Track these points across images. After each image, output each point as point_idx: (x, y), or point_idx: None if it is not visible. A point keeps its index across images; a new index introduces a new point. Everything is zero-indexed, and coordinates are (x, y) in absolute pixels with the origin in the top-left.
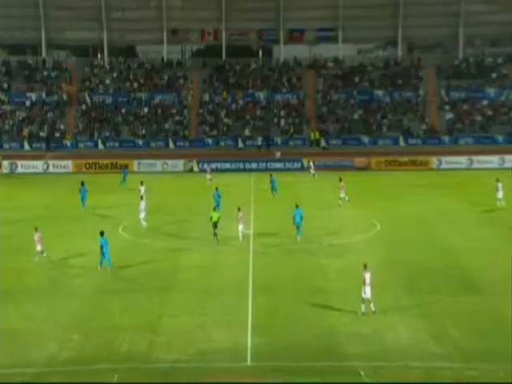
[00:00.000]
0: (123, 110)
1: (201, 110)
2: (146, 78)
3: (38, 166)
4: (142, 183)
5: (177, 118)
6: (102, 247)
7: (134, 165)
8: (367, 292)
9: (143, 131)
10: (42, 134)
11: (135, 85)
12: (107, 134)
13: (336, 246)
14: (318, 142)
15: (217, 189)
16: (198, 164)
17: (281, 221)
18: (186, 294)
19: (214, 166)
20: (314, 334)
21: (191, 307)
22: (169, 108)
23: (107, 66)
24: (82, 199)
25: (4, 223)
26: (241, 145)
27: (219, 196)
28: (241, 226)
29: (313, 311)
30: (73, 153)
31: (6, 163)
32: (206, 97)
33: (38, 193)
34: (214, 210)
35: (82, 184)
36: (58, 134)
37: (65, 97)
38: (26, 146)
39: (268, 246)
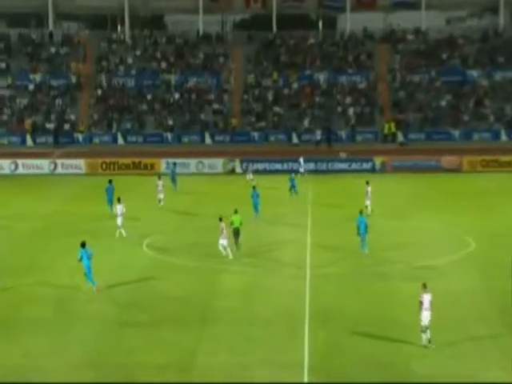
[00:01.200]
0: (148, 96)
1: (245, 96)
2: (177, 56)
3: (44, 165)
4: (110, 181)
5: (215, 105)
6: (83, 261)
7: (162, 164)
8: (425, 318)
9: (173, 122)
10: (48, 125)
11: (163, 64)
12: (128, 126)
13: (416, 268)
14: (393, 137)
15: (254, 188)
16: (241, 164)
17: (344, 232)
18: (226, 327)
19: (260, 166)
20: (385, 378)
21: (232, 343)
22: (205, 93)
23: (129, 41)
24: (110, 201)
25: None
26: (295, 140)
27: (258, 196)
28: (224, 241)
29: (384, 349)
30: (86, 149)
31: (3, 162)
32: (252, 79)
33: (43, 199)
34: (236, 212)
35: (110, 182)
36: (67, 126)
37: (76, 79)
38: (29, 141)
39: (328, 265)
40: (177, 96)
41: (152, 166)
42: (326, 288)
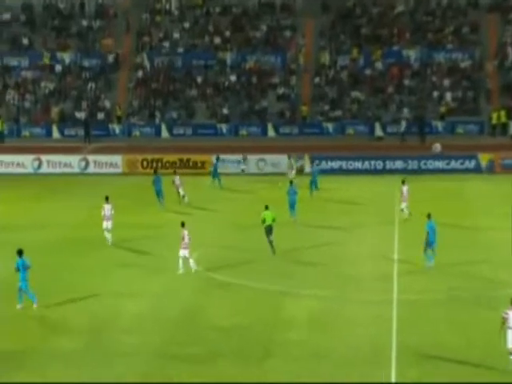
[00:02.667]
0: (199, 79)
1: (317, 79)
2: (234, 30)
3: (73, 163)
4: (155, 172)
5: (280, 90)
6: (20, 273)
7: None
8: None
9: (228, 111)
10: (78, 114)
11: (217, 40)
12: (174, 115)
13: None
14: (504, 128)
15: (291, 183)
16: (311, 162)
17: (441, 248)
18: (292, 363)
19: (335, 164)
20: None
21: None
22: (268, 75)
23: (175, 12)
24: (158, 193)
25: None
26: (379, 132)
27: (295, 193)
28: (184, 252)
29: None
30: (124, 144)
31: (25, 159)
32: (326, 57)
33: (71, 204)
34: (267, 208)
35: (155, 172)
36: (101, 116)
37: (112, 59)
38: (56, 134)
39: (421, 288)
40: (233, 79)
41: (203, 164)
42: (418, 317)
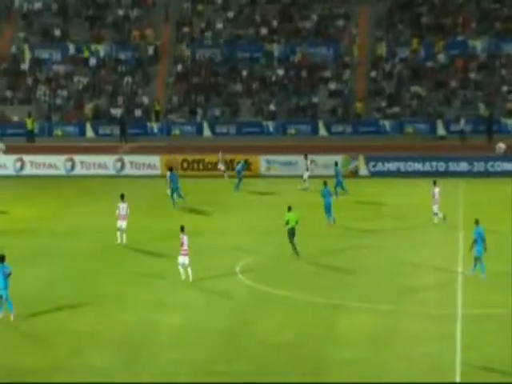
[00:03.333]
0: (244, 73)
1: (373, 73)
2: (282, 20)
3: (108, 163)
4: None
5: (332, 85)
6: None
7: (261, 163)
8: None
9: (276, 108)
10: (114, 111)
11: (264, 31)
12: (217, 112)
13: None
14: None
15: (325, 184)
16: (366, 163)
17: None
18: None
19: (392, 166)
20: None
21: None
22: (319, 69)
23: (219, 0)
24: (174, 190)
25: (42, 257)
26: (441, 131)
27: (330, 194)
28: (184, 259)
29: None
30: (163, 143)
31: (57, 160)
32: (383, 49)
33: (105, 208)
34: (290, 210)
35: (171, 170)
36: (138, 112)
37: (151, 51)
38: (89, 132)
39: (485, 302)
40: (281, 72)
41: (246, 161)
42: (485, 333)
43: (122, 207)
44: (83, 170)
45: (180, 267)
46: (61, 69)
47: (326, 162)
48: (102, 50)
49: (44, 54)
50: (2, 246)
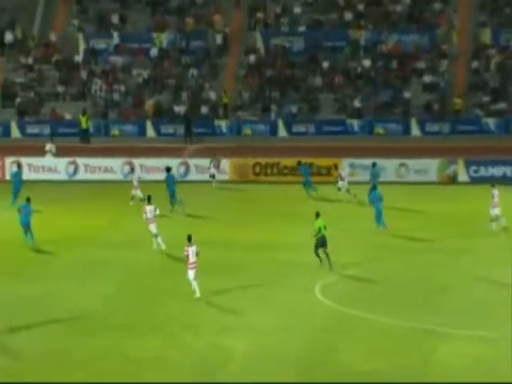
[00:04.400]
0: (325, 65)
1: (474, 63)
2: (370, 3)
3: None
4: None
5: (427, 77)
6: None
7: (344, 165)
8: None
9: (361, 104)
10: (177, 108)
11: (348, 16)
12: (294, 109)
13: None
14: None
15: (375, 188)
16: (466, 168)
17: None
18: None
19: (497, 171)
20: None
21: None
22: (412, 59)
23: None
24: (172, 194)
25: (102, 270)
26: None
27: (381, 199)
28: (191, 273)
29: None
30: (232, 144)
31: (114, 162)
32: (487, 36)
33: (167, 218)
34: (318, 216)
35: (168, 170)
36: (205, 110)
37: (220, 40)
38: (150, 132)
39: None
40: (367, 64)
41: (329, 169)
42: None
43: (149, 210)
44: (143, 175)
45: (192, 283)
46: (118, 61)
47: (419, 167)
48: (164, 39)
49: (100, 44)
50: (53, 258)
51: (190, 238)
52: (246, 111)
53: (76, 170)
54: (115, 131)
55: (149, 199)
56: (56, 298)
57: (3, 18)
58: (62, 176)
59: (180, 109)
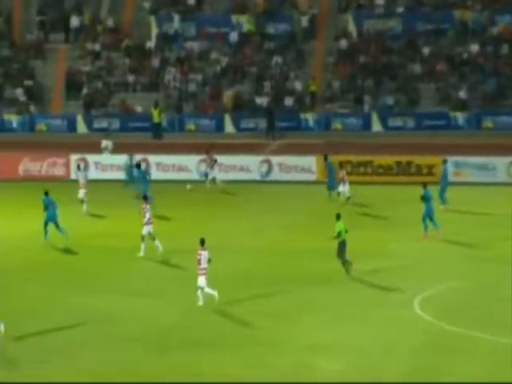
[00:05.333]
0: (425, 50)
1: None
2: None
3: (252, 166)
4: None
5: None
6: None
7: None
8: None
9: (467, 94)
10: (259, 100)
11: None
12: (390, 101)
13: None
14: None
15: (425, 186)
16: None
17: None
18: None
19: None
20: None
21: None
22: None
23: None
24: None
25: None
26: None
27: (432, 198)
28: (201, 279)
29: None
30: (320, 140)
31: (187, 160)
32: None
33: (247, 223)
34: (339, 218)
35: (138, 166)
36: (290, 102)
37: (306, 24)
38: (228, 126)
39: None
40: (475, 49)
41: (430, 168)
42: None
43: (145, 208)
44: (221, 174)
45: (198, 290)
46: (195, 47)
47: None
48: (244, 22)
49: (174, 29)
50: (129, 269)
51: (203, 242)
52: (335, 103)
53: (148, 169)
54: (190, 126)
55: (145, 198)
56: (130, 312)
57: (69, 2)
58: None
59: (262, 100)
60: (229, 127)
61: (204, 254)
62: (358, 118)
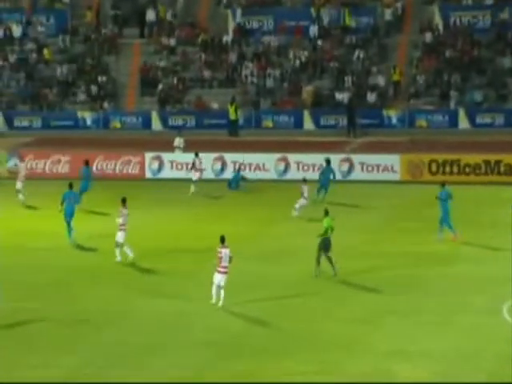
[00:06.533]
0: None
1: None
2: None
3: (332, 164)
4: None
5: None
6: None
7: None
8: None
9: None
10: (339, 96)
11: None
12: (479, 96)
13: None
14: None
15: (443, 185)
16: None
17: None
18: None
19: None
20: None
21: None
22: None
23: None
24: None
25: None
26: None
27: (449, 195)
28: (220, 278)
29: None
30: (404, 138)
31: (267, 159)
32: None
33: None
34: (327, 214)
35: (87, 164)
36: (372, 97)
37: (391, 16)
38: (308, 123)
39: None
40: None
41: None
42: None
43: (123, 213)
44: (298, 173)
45: (214, 287)
46: (273, 41)
47: None
48: (326, 14)
49: (252, 23)
50: (194, 271)
51: (223, 240)
52: (420, 99)
53: (224, 168)
54: (268, 123)
55: (123, 201)
56: (196, 317)
57: None
58: (208, 174)
59: (343, 96)
60: (308, 124)
61: (225, 252)
62: (444, 114)
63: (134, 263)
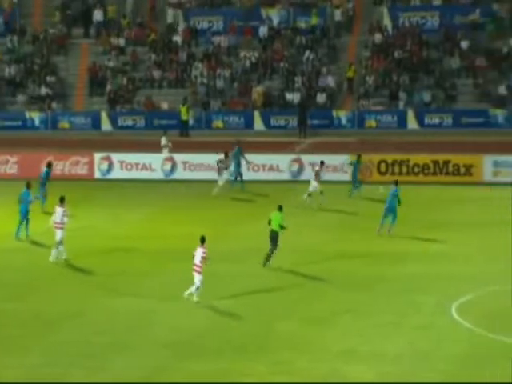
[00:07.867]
0: (463, 45)
1: None
2: None
3: (282, 165)
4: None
5: None
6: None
7: (485, 166)
8: None
9: (507, 91)
10: (289, 96)
11: None
12: (427, 97)
13: None
14: None
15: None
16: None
17: None
18: None
19: None
20: None
21: None
22: None
23: None
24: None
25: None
26: None
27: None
28: (199, 278)
29: None
30: (354, 138)
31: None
32: None
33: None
34: (280, 209)
35: (49, 166)
36: (322, 98)
37: (340, 17)
38: (258, 123)
39: None
40: None
41: (468, 168)
42: None
43: (59, 212)
44: (249, 174)
45: (194, 289)
46: (223, 41)
47: None
48: (275, 16)
49: (202, 23)
50: (155, 270)
51: (203, 240)
52: (369, 99)
53: (174, 168)
54: (218, 123)
55: (61, 200)
56: (157, 316)
57: None
58: (158, 174)
59: (293, 97)
60: (258, 125)
61: (198, 251)
62: (392, 115)
63: (70, 264)
